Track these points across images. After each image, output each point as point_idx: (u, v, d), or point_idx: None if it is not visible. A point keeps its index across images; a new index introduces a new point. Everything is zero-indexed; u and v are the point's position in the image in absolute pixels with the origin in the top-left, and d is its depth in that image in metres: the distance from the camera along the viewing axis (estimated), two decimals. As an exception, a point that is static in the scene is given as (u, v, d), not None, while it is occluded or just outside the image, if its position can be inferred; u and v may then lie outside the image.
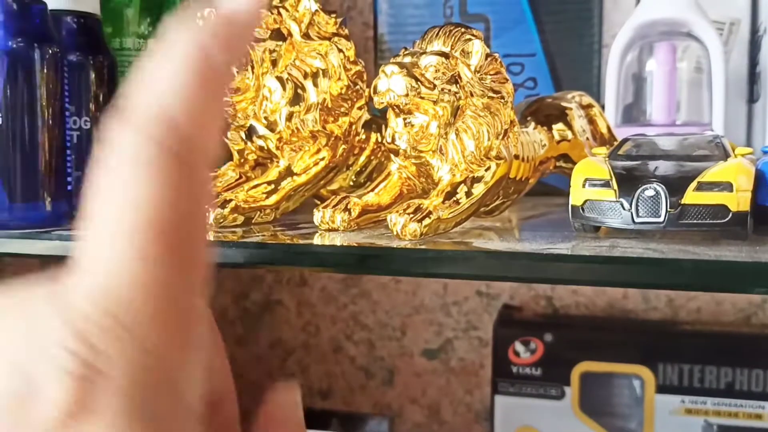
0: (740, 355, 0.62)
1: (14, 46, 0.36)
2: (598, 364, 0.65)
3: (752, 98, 0.56)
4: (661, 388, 0.63)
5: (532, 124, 0.41)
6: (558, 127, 0.42)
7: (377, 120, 0.42)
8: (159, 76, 0.19)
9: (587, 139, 0.43)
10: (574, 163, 0.42)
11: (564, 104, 0.43)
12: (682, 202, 0.30)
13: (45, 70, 0.37)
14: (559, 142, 0.42)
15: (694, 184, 0.30)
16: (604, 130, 0.45)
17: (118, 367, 0.16)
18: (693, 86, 0.55)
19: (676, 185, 0.31)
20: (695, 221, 0.30)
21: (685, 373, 0.63)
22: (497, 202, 0.39)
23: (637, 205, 0.31)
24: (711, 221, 0.30)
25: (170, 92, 0.18)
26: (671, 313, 0.69)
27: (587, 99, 0.46)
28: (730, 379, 0.62)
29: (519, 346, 0.66)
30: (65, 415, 0.16)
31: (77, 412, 0.16)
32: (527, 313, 0.72)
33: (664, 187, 0.30)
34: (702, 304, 0.68)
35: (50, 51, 0.37)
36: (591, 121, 0.45)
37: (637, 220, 0.31)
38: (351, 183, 0.43)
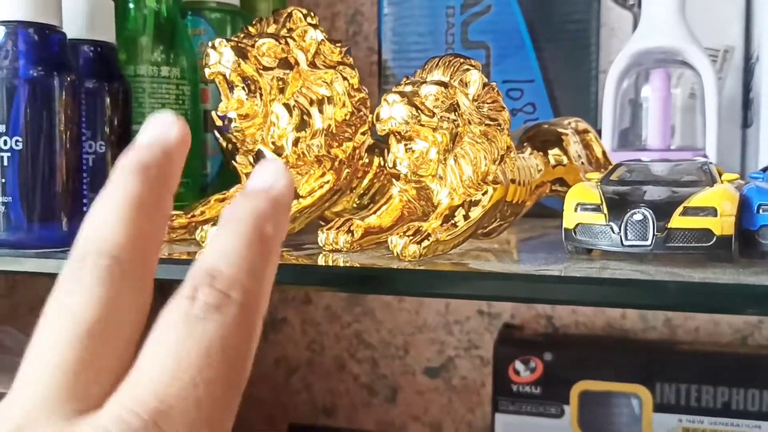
0: (737, 374, 0.63)
1: (34, 74, 0.38)
2: (596, 383, 0.66)
3: (746, 124, 0.58)
4: (659, 407, 0.64)
5: (529, 149, 0.42)
6: (554, 152, 0.43)
7: (380, 144, 0.44)
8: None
9: (582, 163, 0.45)
10: (569, 187, 0.44)
11: (560, 130, 0.45)
12: (669, 226, 0.32)
13: (63, 97, 0.38)
14: (554, 166, 0.43)
15: (680, 209, 0.32)
16: (600, 155, 0.47)
17: None
18: (687, 112, 0.56)
19: (663, 210, 0.32)
20: (681, 244, 0.32)
21: (683, 393, 0.64)
22: (495, 225, 0.40)
23: (626, 229, 0.32)
24: (696, 244, 0.32)
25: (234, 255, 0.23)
26: (669, 333, 0.70)
27: (583, 124, 0.47)
28: (727, 399, 0.63)
29: (519, 365, 0.67)
30: None
31: None
32: (527, 332, 0.73)
33: (651, 211, 0.32)
34: (699, 324, 0.69)
35: (68, 79, 0.39)
36: (587, 146, 0.46)
37: (625, 243, 0.32)
38: (354, 205, 0.45)
